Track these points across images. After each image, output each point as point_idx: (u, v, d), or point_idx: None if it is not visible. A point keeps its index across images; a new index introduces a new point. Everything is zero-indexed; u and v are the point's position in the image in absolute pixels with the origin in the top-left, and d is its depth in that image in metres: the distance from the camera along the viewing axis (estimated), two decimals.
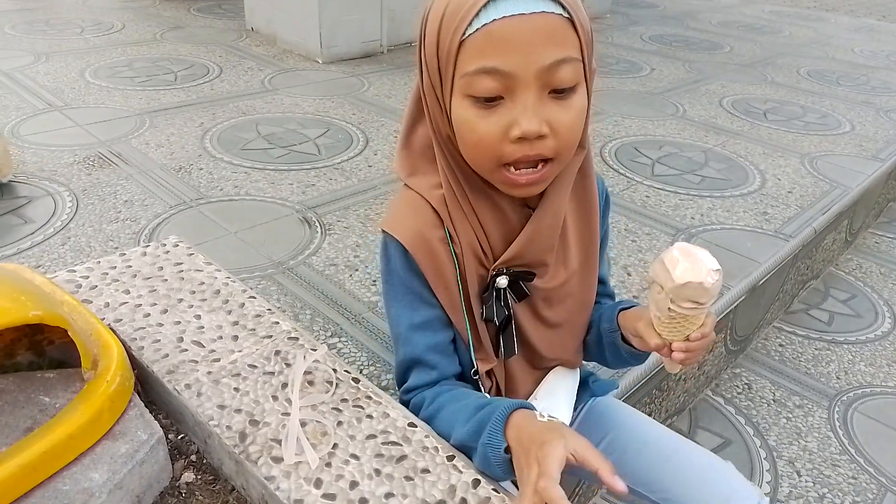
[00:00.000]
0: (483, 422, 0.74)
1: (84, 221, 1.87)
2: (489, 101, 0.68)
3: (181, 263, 1.12)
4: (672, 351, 0.78)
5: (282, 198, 2.08)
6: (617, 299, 1.03)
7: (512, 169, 0.72)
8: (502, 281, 0.82)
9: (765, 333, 2.14)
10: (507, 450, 0.71)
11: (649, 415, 1.61)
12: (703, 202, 2.29)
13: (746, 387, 1.92)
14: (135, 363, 0.92)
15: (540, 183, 0.75)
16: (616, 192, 2.32)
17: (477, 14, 0.65)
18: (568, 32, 0.67)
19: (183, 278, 1.08)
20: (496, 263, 0.82)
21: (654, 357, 1.08)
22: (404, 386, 0.87)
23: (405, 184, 0.84)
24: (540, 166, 0.72)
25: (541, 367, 0.93)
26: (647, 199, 2.28)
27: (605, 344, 0.93)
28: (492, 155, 0.71)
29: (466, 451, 0.80)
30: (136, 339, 0.95)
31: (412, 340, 0.83)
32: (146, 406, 0.86)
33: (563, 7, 0.66)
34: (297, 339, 0.97)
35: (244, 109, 2.76)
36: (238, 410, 0.84)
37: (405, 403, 0.88)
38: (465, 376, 0.88)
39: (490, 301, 0.83)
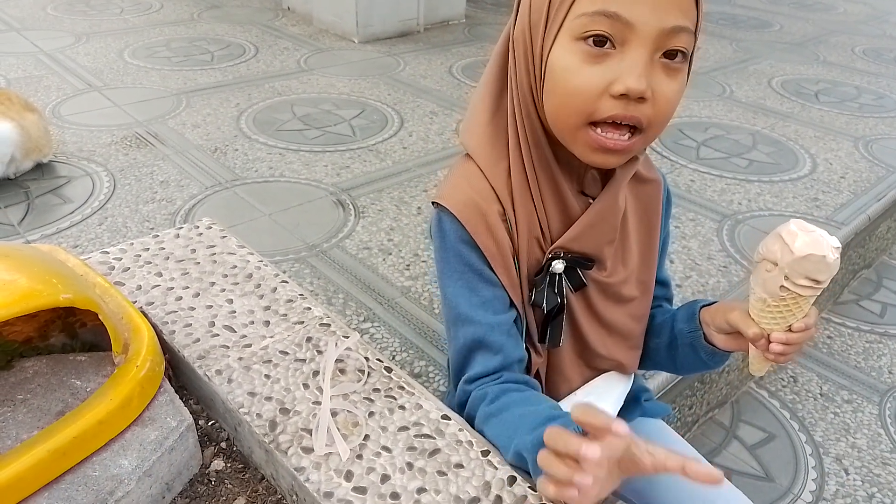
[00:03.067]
0: (536, 444, 0.67)
1: (121, 202, 1.88)
2: (600, 46, 0.64)
3: (214, 246, 1.11)
4: (770, 343, 0.71)
5: (316, 180, 2.06)
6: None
7: (599, 130, 0.67)
8: (558, 265, 0.77)
9: None
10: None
11: (689, 408, 1.56)
12: (751, 187, 2.20)
13: (792, 380, 1.84)
14: (166, 347, 0.91)
15: (625, 153, 0.70)
16: None
17: None
18: (692, 5, 0.65)
19: (215, 261, 1.07)
20: (553, 245, 0.78)
21: (734, 358, 1.00)
22: (467, 374, 0.79)
23: (466, 154, 0.79)
24: (628, 136, 0.68)
25: (592, 365, 0.88)
26: (692, 184, 2.20)
27: (679, 346, 0.87)
28: (584, 108, 0.66)
29: (523, 459, 0.72)
30: (167, 322, 0.94)
31: (474, 319, 0.77)
32: (177, 391, 0.85)
33: None
34: (328, 325, 0.95)
35: (280, 90, 2.75)
36: (269, 398, 0.82)
37: (466, 394, 0.80)
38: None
39: (542, 285, 0.78)
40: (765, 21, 4.44)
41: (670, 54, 0.65)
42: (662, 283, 0.94)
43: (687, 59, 0.67)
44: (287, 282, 1.03)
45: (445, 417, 0.82)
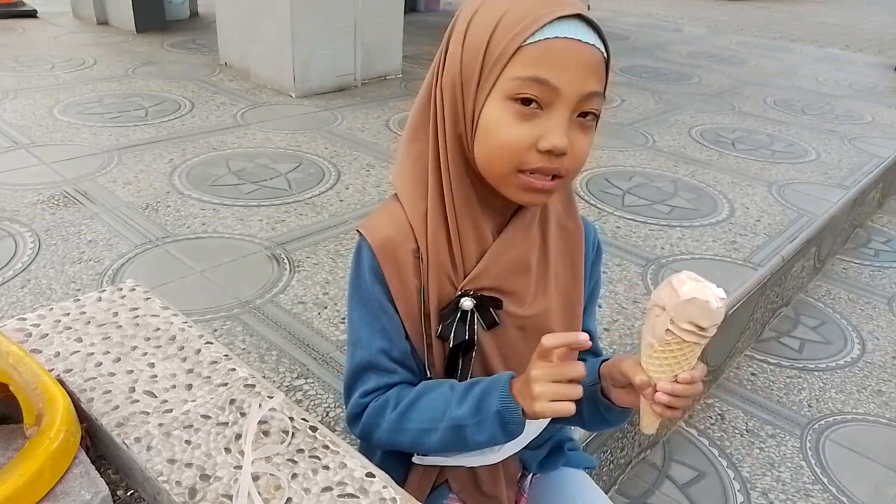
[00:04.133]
0: (486, 393, 0.78)
1: (46, 263, 1.83)
2: (528, 107, 0.73)
3: (137, 308, 1.09)
4: (656, 392, 0.73)
5: (250, 234, 2.06)
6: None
7: (528, 173, 0.75)
8: (467, 303, 0.82)
9: (737, 362, 2.15)
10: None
11: (621, 449, 1.60)
12: (673, 232, 2.31)
13: (719, 417, 1.91)
14: (83, 416, 0.89)
15: (549, 193, 0.78)
16: None
17: (541, 27, 0.71)
18: (603, 71, 0.75)
19: (138, 324, 1.05)
20: (464, 282, 0.82)
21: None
22: (362, 389, 0.85)
23: (395, 194, 0.86)
24: (552, 178, 0.76)
25: None
26: (618, 230, 2.29)
27: (583, 400, 0.91)
28: (514, 159, 0.74)
29: (461, 430, 0.79)
30: (85, 390, 0.92)
31: (372, 345, 0.83)
32: (95, 461, 0.83)
33: (605, 49, 0.75)
34: (253, 385, 0.95)
35: (215, 145, 2.75)
36: (189, 464, 0.81)
37: (361, 407, 0.85)
38: None
39: (450, 319, 0.82)
40: (684, 74, 4.72)
41: (585, 115, 0.74)
42: (588, 333, 0.97)
43: (597, 118, 0.77)
44: (211, 343, 1.02)
45: (370, 475, 0.83)
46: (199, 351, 1.01)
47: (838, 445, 1.82)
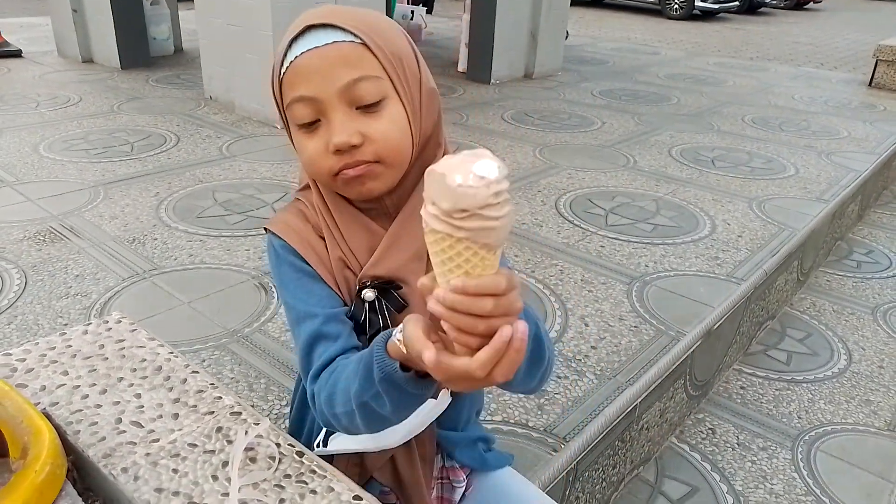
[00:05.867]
0: (368, 365, 0.71)
1: (32, 299, 1.82)
2: (311, 125, 0.79)
3: (123, 340, 1.10)
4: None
5: (237, 264, 2.07)
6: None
7: (342, 172, 0.79)
8: (368, 294, 0.84)
9: (725, 377, 2.17)
10: (402, 368, 0.68)
11: (613, 467, 1.60)
12: (657, 250, 2.34)
13: (710, 432, 1.92)
14: (70, 448, 0.89)
15: (372, 177, 0.80)
16: (571, 242, 2.35)
17: (285, 55, 0.78)
18: (364, 55, 0.77)
19: (124, 356, 1.06)
20: (360, 275, 0.85)
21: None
22: (311, 372, 0.83)
23: (296, 197, 0.92)
24: (365, 165, 0.79)
25: None
26: (602, 249, 2.32)
27: None
28: (322, 168, 0.80)
29: (368, 406, 0.74)
30: (72, 422, 0.92)
31: (311, 313, 0.83)
32: (82, 493, 0.83)
33: (355, 35, 0.76)
34: (240, 413, 0.95)
35: (201, 177, 2.77)
36: (176, 493, 0.81)
37: (313, 392, 0.83)
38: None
39: (361, 312, 0.84)
40: (663, 96, 4.81)
41: (363, 106, 0.77)
42: None
43: (381, 102, 0.78)
44: (198, 372, 1.03)
45: (357, 498, 0.83)
46: (185, 380, 1.01)
47: (829, 456, 1.83)
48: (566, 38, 5.56)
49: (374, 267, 0.85)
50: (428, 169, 0.54)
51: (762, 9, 14.81)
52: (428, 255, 0.59)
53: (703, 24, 10.55)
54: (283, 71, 0.79)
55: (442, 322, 0.58)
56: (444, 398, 0.93)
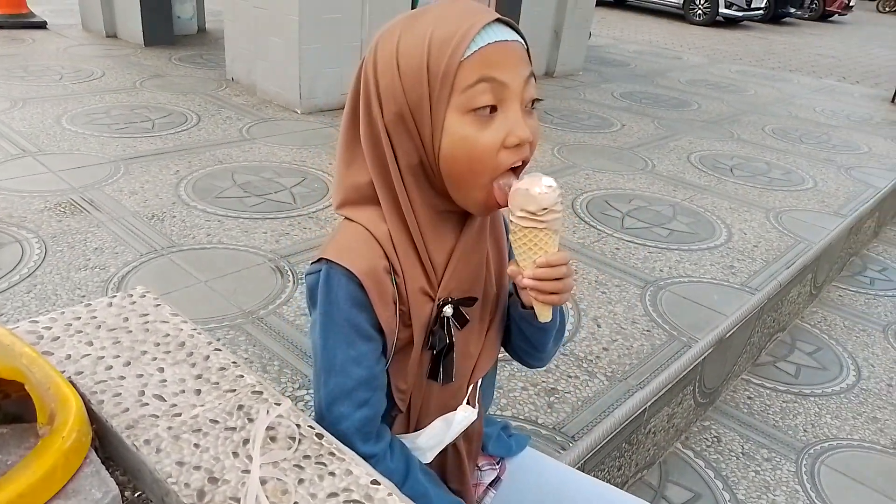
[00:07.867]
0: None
1: (52, 269, 1.84)
2: (484, 112, 0.77)
3: (147, 314, 1.11)
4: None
5: (255, 246, 2.08)
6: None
7: (500, 182, 0.79)
8: (448, 310, 0.86)
9: (733, 386, 2.17)
10: None
11: (618, 469, 1.61)
12: (672, 255, 2.34)
13: (716, 439, 1.93)
14: (94, 417, 0.90)
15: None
16: (587, 243, 2.36)
17: (473, 39, 0.77)
18: (529, 59, 0.82)
19: (148, 330, 1.07)
20: (438, 291, 0.86)
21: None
22: (338, 413, 0.89)
23: (346, 219, 0.87)
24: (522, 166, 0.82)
25: (452, 388, 0.94)
26: (617, 252, 2.32)
27: (519, 325, 0.96)
28: (489, 165, 0.78)
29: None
30: (96, 392, 0.93)
31: (347, 372, 0.85)
32: (104, 462, 0.84)
33: (524, 39, 0.82)
34: (261, 392, 0.96)
35: (221, 158, 2.78)
36: (197, 467, 0.83)
37: (339, 431, 0.89)
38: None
39: (435, 329, 0.86)
40: (684, 101, 4.79)
41: (530, 102, 0.80)
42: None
43: (534, 102, 0.82)
44: (220, 350, 1.04)
45: (375, 482, 0.84)
46: (207, 357, 1.02)
47: (833, 471, 1.83)
48: (589, 37, 5.54)
49: (450, 282, 0.86)
50: (512, 189, 0.77)
51: (786, 19, 14.68)
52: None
53: (725, 31, 10.47)
54: (467, 53, 0.76)
55: (530, 291, 0.81)
56: (472, 412, 0.95)
